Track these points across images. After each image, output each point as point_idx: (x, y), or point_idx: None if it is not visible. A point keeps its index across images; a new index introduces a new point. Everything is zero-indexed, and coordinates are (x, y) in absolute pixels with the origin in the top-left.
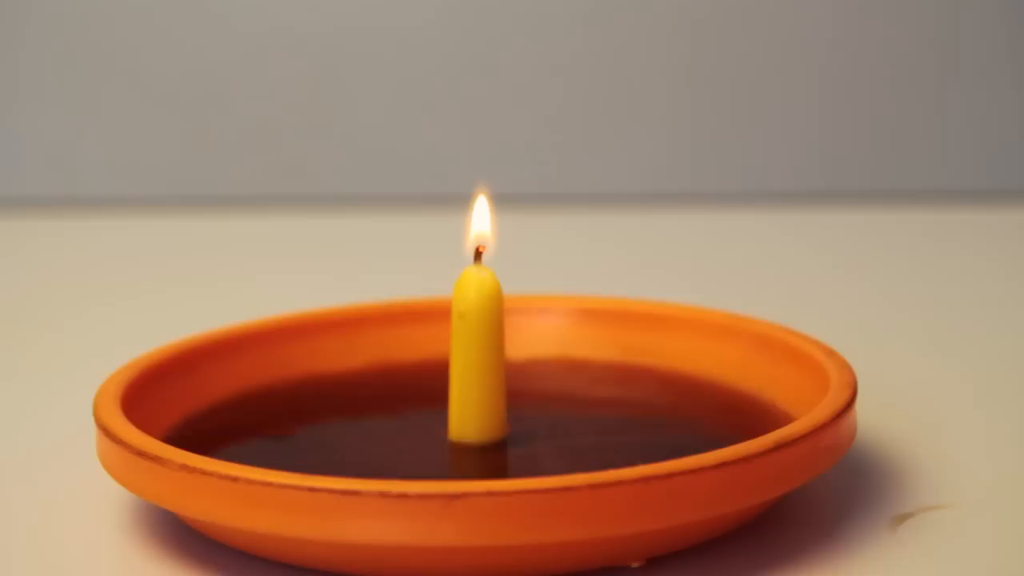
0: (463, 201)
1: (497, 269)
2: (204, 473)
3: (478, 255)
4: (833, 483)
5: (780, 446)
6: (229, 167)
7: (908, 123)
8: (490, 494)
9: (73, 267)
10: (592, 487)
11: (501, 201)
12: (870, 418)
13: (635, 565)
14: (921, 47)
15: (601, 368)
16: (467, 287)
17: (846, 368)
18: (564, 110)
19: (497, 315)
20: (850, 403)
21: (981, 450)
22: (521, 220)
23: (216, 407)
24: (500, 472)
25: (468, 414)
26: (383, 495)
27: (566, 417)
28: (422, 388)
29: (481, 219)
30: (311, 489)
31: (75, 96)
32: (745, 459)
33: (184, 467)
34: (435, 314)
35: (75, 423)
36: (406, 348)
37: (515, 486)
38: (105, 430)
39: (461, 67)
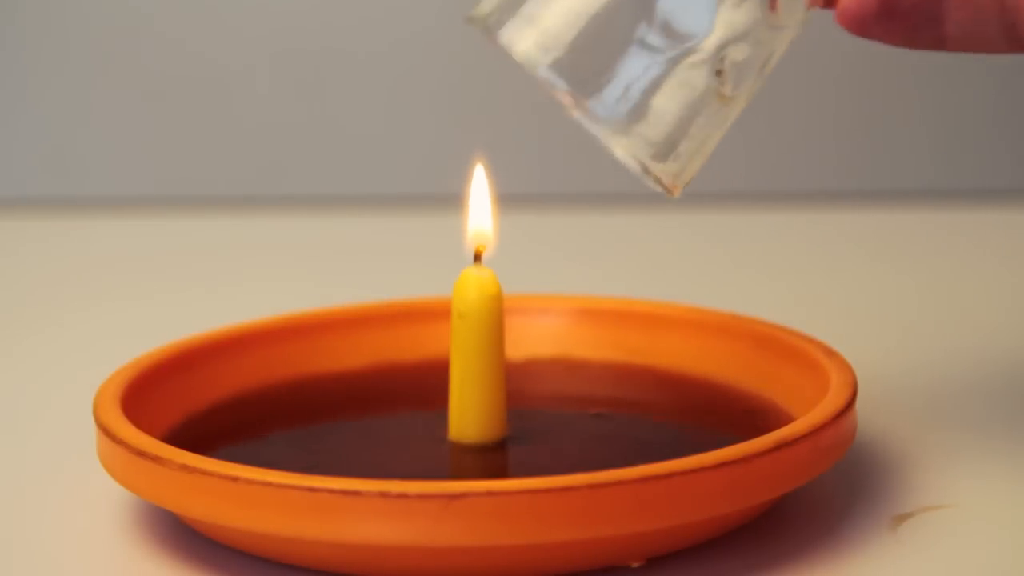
0: (463, 201)
1: (497, 269)
2: (204, 473)
3: (478, 255)
4: (833, 483)
5: (780, 446)
6: (229, 167)
7: (907, 123)
8: (490, 494)
9: (73, 267)
10: (592, 487)
11: (501, 201)
12: (870, 418)
13: (635, 565)
14: None
15: (601, 368)
16: (467, 287)
17: (846, 368)
18: (564, 110)
19: (497, 315)
20: (850, 403)
21: (981, 450)
22: (521, 220)
23: (216, 407)
24: (500, 472)
25: (468, 414)
26: (383, 495)
27: (566, 417)
28: (422, 388)
29: (480, 207)
30: (311, 489)
31: (75, 96)
32: (745, 459)
33: (184, 467)
34: (435, 314)
35: (75, 423)
36: (406, 348)
37: (515, 486)
38: (105, 430)
39: (461, 67)
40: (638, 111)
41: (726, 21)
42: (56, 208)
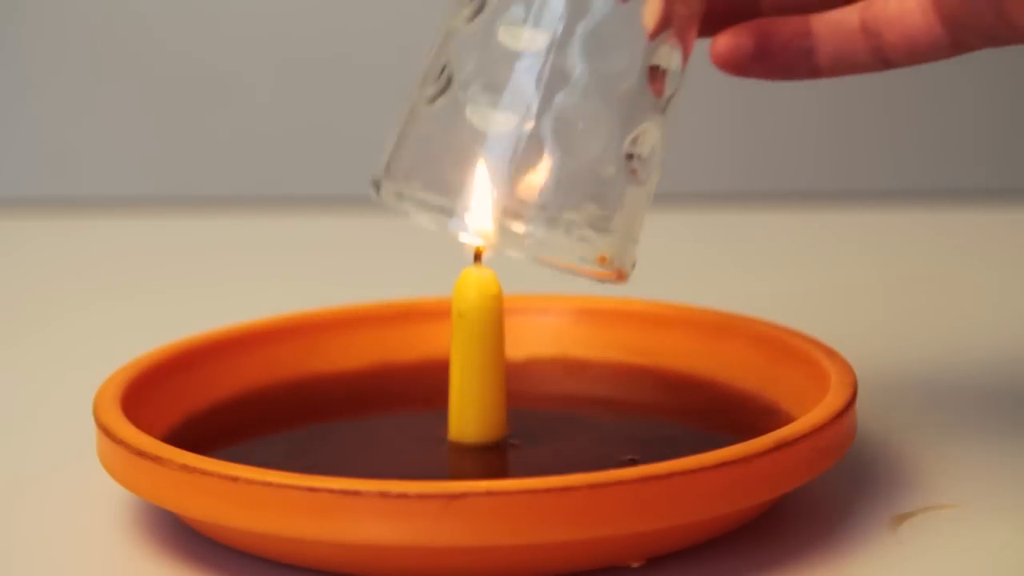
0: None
1: (497, 269)
2: (204, 473)
3: (478, 255)
4: (833, 483)
5: (780, 446)
6: (229, 167)
7: (907, 123)
8: (490, 494)
9: (73, 267)
10: (592, 487)
11: None
12: (870, 418)
13: (635, 565)
14: None
15: (601, 368)
16: (467, 287)
17: (846, 368)
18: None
19: (497, 315)
20: (850, 403)
21: (981, 450)
22: None
23: (216, 407)
24: (500, 472)
25: (468, 414)
26: (383, 495)
27: (566, 417)
28: (422, 388)
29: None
30: (311, 489)
31: (75, 96)
32: (745, 459)
33: (184, 467)
34: (435, 314)
35: (75, 423)
36: (406, 348)
37: (515, 486)
38: (105, 430)
39: None
40: (562, 217)
41: (624, 112)
42: (56, 208)
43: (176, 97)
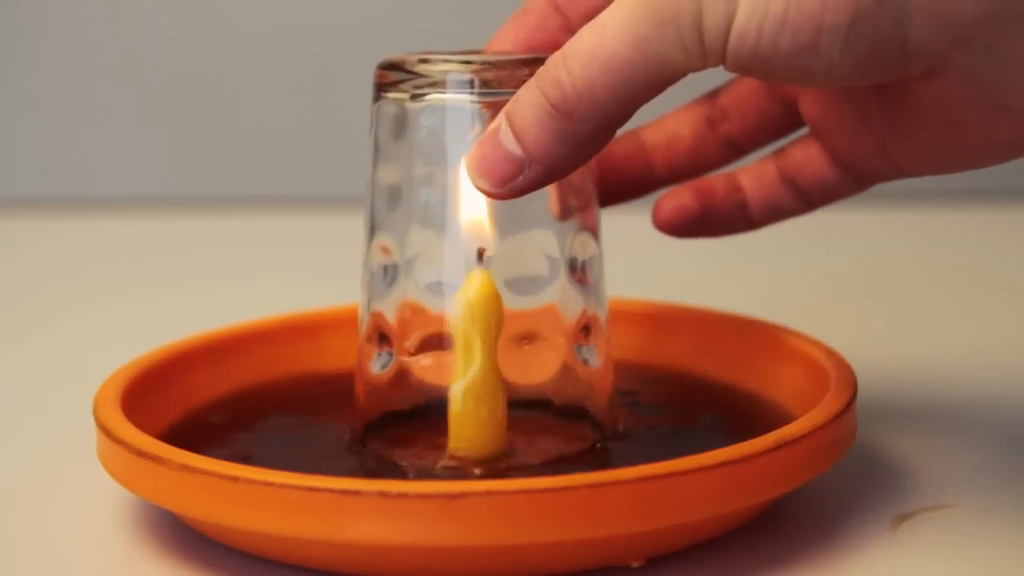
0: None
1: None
2: (204, 473)
3: (479, 255)
4: (833, 483)
5: (780, 446)
6: (229, 167)
7: None
8: (489, 494)
9: (73, 267)
10: (592, 487)
11: None
12: (870, 418)
13: (635, 565)
14: None
15: None
16: (467, 288)
17: (846, 368)
18: None
19: (497, 315)
20: (850, 403)
21: (981, 450)
22: None
23: (216, 406)
24: (500, 472)
25: (468, 419)
26: (383, 495)
27: (566, 416)
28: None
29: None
30: (311, 489)
31: (75, 96)
32: (745, 459)
33: (184, 467)
34: None
35: (75, 423)
36: None
37: (515, 486)
38: (105, 430)
39: None
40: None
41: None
42: (56, 208)
43: (177, 98)
